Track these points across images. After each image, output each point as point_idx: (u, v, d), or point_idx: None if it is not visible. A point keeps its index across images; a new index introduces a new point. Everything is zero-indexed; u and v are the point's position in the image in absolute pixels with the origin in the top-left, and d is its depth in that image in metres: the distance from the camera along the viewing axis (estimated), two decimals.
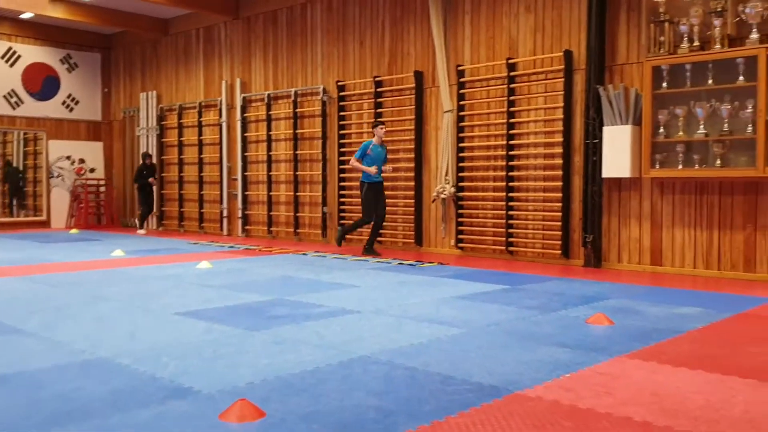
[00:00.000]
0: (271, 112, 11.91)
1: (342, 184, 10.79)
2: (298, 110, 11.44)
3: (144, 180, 13.16)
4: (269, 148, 11.94)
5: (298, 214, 11.52)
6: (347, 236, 10.10)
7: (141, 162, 13.41)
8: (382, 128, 9.04)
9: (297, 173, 11.48)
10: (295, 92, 11.41)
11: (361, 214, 9.46)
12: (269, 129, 11.94)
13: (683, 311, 5.26)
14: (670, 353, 3.94)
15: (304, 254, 9.34)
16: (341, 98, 10.73)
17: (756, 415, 2.88)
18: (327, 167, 11.02)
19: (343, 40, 10.74)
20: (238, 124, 12.44)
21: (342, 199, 10.80)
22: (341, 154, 10.77)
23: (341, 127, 10.77)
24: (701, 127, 7.15)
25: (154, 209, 13.97)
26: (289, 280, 6.88)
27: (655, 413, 2.90)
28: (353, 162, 9.06)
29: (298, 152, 11.46)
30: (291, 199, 11.59)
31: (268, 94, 11.88)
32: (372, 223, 9.15)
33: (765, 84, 6.58)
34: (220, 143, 12.82)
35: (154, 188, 13.73)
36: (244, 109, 12.41)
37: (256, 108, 12.25)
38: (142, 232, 13.20)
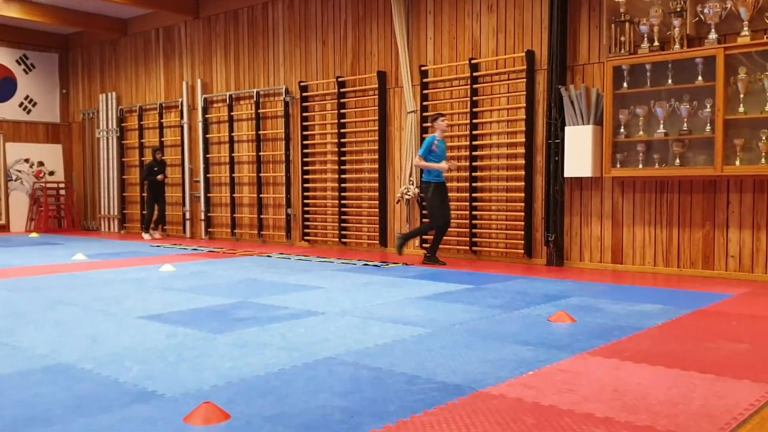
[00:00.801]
0: (233, 113, 11.82)
1: (306, 185, 10.75)
2: (260, 111, 11.37)
3: (153, 176, 12.09)
4: (232, 150, 11.85)
5: (261, 216, 11.45)
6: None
7: (152, 158, 12.33)
8: (443, 120, 8.15)
9: (260, 175, 11.41)
10: (257, 93, 11.34)
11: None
12: (231, 130, 11.85)
13: (644, 308, 5.36)
14: (631, 350, 4.01)
15: (268, 256, 9.28)
16: (304, 99, 10.70)
17: (713, 409, 2.95)
18: (290, 168, 10.97)
19: (305, 40, 10.71)
20: (200, 126, 12.31)
21: (306, 201, 10.77)
22: (304, 155, 10.74)
23: (304, 128, 10.74)
24: (661, 126, 7.30)
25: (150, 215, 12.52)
26: (253, 282, 6.83)
27: (617, 409, 2.95)
28: (418, 160, 8.18)
29: (261, 153, 11.39)
30: (254, 200, 11.52)
31: (230, 95, 11.78)
32: (434, 227, 8.27)
33: (723, 84, 6.74)
34: (182, 145, 12.67)
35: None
36: (205, 110, 12.29)
37: (218, 109, 12.14)
38: (148, 237, 12.20)
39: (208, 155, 12.31)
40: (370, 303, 5.57)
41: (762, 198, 6.88)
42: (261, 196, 11.43)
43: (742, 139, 6.81)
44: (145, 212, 12.80)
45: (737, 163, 6.82)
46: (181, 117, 12.64)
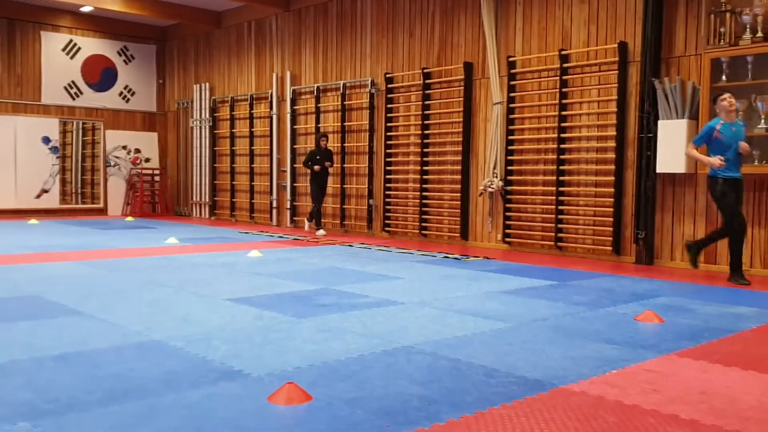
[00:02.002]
0: (319, 105, 12.01)
1: (388, 177, 10.82)
2: (346, 102, 11.51)
3: (316, 164, 10.63)
4: None
5: (344, 206, 11.61)
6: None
7: (315, 145, 11.02)
8: (724, 99, 6.43)
9: (344, 165, 11.56)
10: (344, 84, 11.48)
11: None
12: (318, 121, 12.05)
13: (737, 311, 5.13)
14: (722, 352, 3.86)
15: (350, 245, 9.41)
16: (389, 90, 10.75)
17: None
18: (374, 160, 11.07)
19: (392, 31, 10.75)
20: (288, 117, 12.58)
21: (388, 192, 10.84)
22: (388, 146, 10.80)
23: (388, 120, 10.79)
24: (762, 121, 6.94)
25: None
26: (335, 270, 6.95)
27: (703, 412, 2.85)
28: (690, 150, 6.70)
29: (345, 144, 11.54)
30: (338, 191, 11.68)
31: (317, 87, 11.98)
32: (728, 232, 6.56)
33: None
34: (271, 135, 12.99)
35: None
36: (293, 102, 12.54)
37: (306, 100, 12.37)
38: (321, 233, 10.72)
39: (295, 146, 12.57)
40: (450, 295, 5.57)
41: None
42: (344, 186, 11.58)
43: None
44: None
45: None
46: (271, 108, 12.95)
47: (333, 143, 11.83)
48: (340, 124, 11.61)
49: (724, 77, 7.13)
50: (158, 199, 15.67)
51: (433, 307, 5.01)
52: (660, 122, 7.55)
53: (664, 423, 2.71)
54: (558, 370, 3.43)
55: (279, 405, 2.81)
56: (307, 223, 11.28)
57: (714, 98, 6.69)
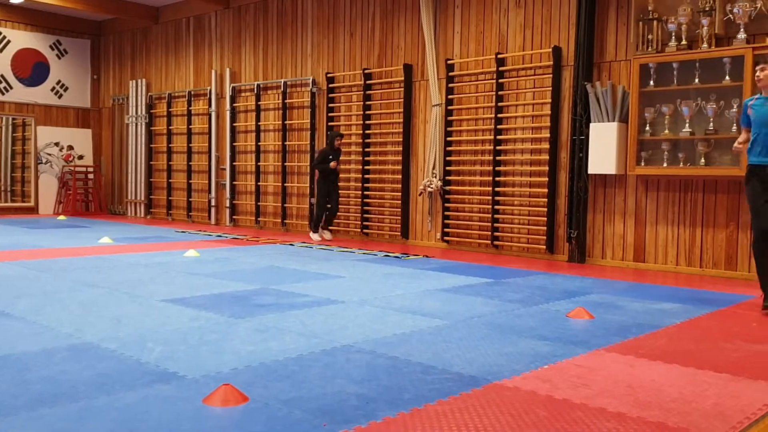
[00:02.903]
0: (260, 103, 11.92)
1: None
2: (287, 101, 11.46)
3: (327, 165, 9.84)
4: (258, 139, 11.96)
5: (285, 205, 11.55)
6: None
7: (327, 144, 10.07)
8: (758, 70, 5.28)
9: (285, 164, 11.51)
10: (285, 83, 11.43)
11: None
12: (258, 119, 11.95)
13: (663, 307, 5.35)
14: (648, 347, 4.02)
15: (290, 245, 9.38)
16: (330, 90, 10.76)
17: (726, 408, 2.96)
18: (315, 159, 11.04)
19: (333, 31, 10.76)
20: (227, 114, 12.44)
21: None
22: None
23: (330, 119, 10.80)
24: (687, 125, 7.25)
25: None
26: (275, 269, 6.93)
27: (629, 405, 2.98)
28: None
29: (286, 143, 11.49)
30: (279, 189, 11.62)
31: (258, 85, 11.88)
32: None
33: (750, 84, 6.66)
34: (209, 133, 12.82)
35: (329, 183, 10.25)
36: (233, 99, 12.41)
37: (246, 98, 12.25)
38: (317, 237, 10.05)
39: (234, 143, 12.44)
40: (390, 293, 5.62)
41: None
42: (285, 185, 11.53)
43: None
44: (310, 209, 10.39)
45: None
46: (209, 105, 12.78)
47: (274, 141, 11.76)
48: (281, 122, 11.55)
49: (651, 82, 7.41)
50: (92, 197, 15.26)
51: (373, 306, 5.06)
52: (592, 125, 7.80)
53: (591, 416, 2.82)
54: (492, 366, 3.52)
55: (214, 407, 2.80)
56: (328, 233, 10.21)
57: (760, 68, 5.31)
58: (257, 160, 11.98)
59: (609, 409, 2.91)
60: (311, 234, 10.14)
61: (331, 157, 9.82)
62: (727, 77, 6.93)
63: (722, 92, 7.03)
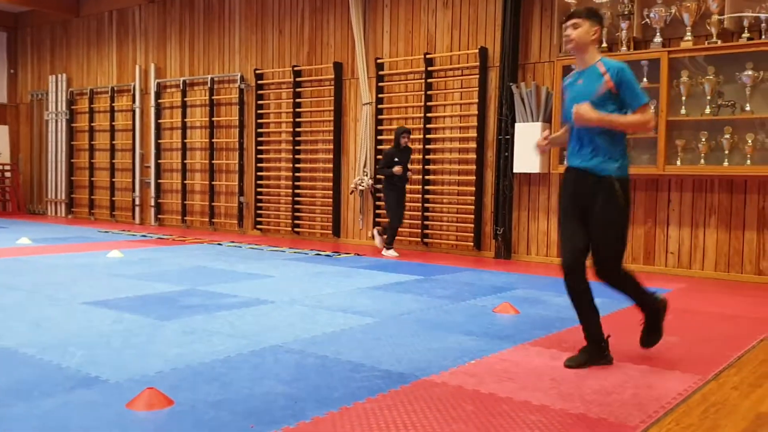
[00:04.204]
0: (186, 99, 11.67)
1: (259, 174, 10.71)
2: (214, 97, 11.27)
3: (390, 171, 8.22)
4: (184, 136, 11.72)
5: (213, 204, 11.36)
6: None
7: (393, 144, 8.46)
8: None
9: (213, 162, 11.32)
10: (212, 79, 11.23)
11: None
12: (184, 116, 11.71)
13: None
14: (571, 341, 4.15)
15: (219, 244, 9.24)
16: (259, 86, 10.64)
17: (643, 398, 3.09)
18: (244, 156, 10.91)
19: (261, 28, 10.64)
20: (152, 111, 12.13)
21: (259, 189, 10.73)
22: (259, 143, 10.69)
23: (259, 116, 10.69)
24: None
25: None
26: (202, 270, 6.81)
27: (553, 397, 3.07)
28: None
29: (214, 140, 11.30)
30: (206, 188, 11.42)
31: (184, 81, 11.64)
32: None
33: (666, 86, 6.96)
34: (133, 129, 12.47)
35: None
36: (158, 95, 12.11)
37: (171, 94, 11.98)
38: (392, 253, 8.36)
39: (160, 141, 12.14)
40: (320, 292, 5.61)
41: (701, 197, 7.15)
42: (213, 183, 11.34)
43: (684, 140, 7.05)
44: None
45: (678, 163, 7.07)
46: (133, 101, 12.43)
47: (201, 138, 11.54)
48: (208, 119, 11.34)
49: None
50: (9, 196, 14.60)
51: (303, 305, 5.04)
52: (517, 125, 7.98)
53: (516, 409, 2.90)
54: (421, 362, 3.57)
55: (138, 411, 2.74)
56: (377, 237, 8.76)
57: None
58: (183, 157, 11.73)
59: (533, 402, 2.99)
60: (384, 251, 8.42)
61: (396, 159, 8.27)
62: (645, 79, 7.21)
63: None
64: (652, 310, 3.85)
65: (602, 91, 3.56)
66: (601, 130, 3.56)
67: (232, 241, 9.56)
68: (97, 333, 4.05)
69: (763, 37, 6.61)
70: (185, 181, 11.73)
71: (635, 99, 3.56)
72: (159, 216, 12.17)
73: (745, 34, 6.69)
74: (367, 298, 5.39)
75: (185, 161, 11.72)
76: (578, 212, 3.67)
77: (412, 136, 8.67)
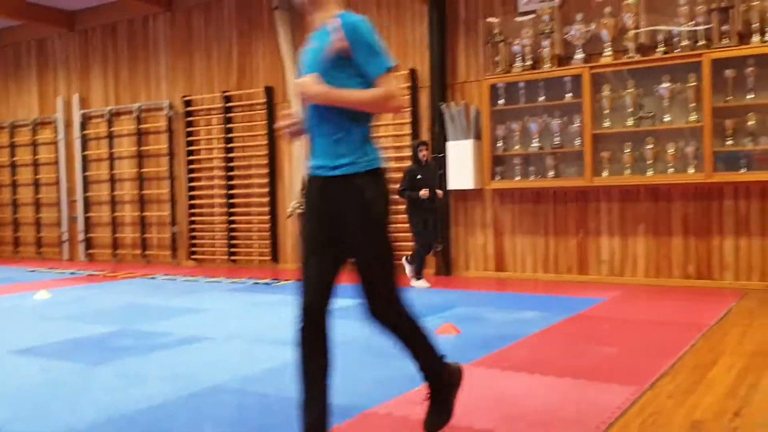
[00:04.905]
0: (113, 129, 11.37)
1: (192, 202, 10.50)
2: (141, 126, 11.01)
3: (417, 190, 7.29)
4: (112, 167, 11.39)
5: (145, 236, 11.06)
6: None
7: (412, 161, 7.62)
8: None
9: (143, 192, 11.03)
10: (139, 107, 10.98)
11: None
12: (111, 146, 11.39)
13: (524, 316, 5.60)
14: (512, 359, 4.19)
15: (152, 278, 8.98)
16: (188, 113, 10.46)
17: (584, 415, 3.13)
18: (175, 185, 10.68)
19: (188, 54, 10.48)
20: (77, 142, 11.75)
21: (193, 218, 10.51)
22: (190, 171, 10.49)
23: (189, 143, 10.49)
24: (535, 140, 7.67)
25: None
26: (135, 307, 6.59)
27: (496, 420, 3.08)
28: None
29: (143, 170, 11.02)
30: (137, 219, 11.11)
31: (110, 110, 11.33)
32: None
33: (589, 100, 7.17)
34: (58, 163, 12.05)
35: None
36: (83, 126, 11.74)
37: (97, 125, 11.64)
38: (422, 284, 7.45)
39: (86, 173, 11.76)
40: (260, 324, 5.51)
41: (629, 206, 7.37)
42: (144, 214, 11.04)
43: (609, 151, 7.26)
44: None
45: (605, 174, 7.27)
46: (57, 133, 12.02)
47: (130, 168, 11.23)
48: (136, 148, 11.06)
49: (501, 101, 7.79)
50: None
51: (241, 340, 4.92)
52: (449, 143, 8.07)
53: None
54: (365, 393, 3.53)
55: None
56: (407, 267, 7.63)
57: None
58: (112, 189, 11.39)
59: (476, 426, 2.99)
60: (413, 281, 7.50)
61: (419, 177, 7.36)
62: (569, 94, 7.41)
63: (565, 109, 7.51)
64: (439, 385, 2.91)
65: (330, 52, 2.58)
66: (339, 111, 2.61)
67: (166, 274, 9.31)
68: (21, 385, 3.85)
69: (678, 50, 6.89)
70: (115, 214, 11.39)
71: (374, 64, 2.57)
72: (89, 251, 11.76)
73: (661, 48, 6.96)
74: None
75: (114, 193, 11.38)
76: (325, 236, 2.82)
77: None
